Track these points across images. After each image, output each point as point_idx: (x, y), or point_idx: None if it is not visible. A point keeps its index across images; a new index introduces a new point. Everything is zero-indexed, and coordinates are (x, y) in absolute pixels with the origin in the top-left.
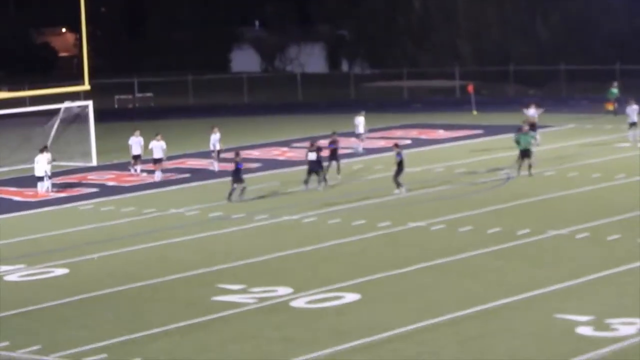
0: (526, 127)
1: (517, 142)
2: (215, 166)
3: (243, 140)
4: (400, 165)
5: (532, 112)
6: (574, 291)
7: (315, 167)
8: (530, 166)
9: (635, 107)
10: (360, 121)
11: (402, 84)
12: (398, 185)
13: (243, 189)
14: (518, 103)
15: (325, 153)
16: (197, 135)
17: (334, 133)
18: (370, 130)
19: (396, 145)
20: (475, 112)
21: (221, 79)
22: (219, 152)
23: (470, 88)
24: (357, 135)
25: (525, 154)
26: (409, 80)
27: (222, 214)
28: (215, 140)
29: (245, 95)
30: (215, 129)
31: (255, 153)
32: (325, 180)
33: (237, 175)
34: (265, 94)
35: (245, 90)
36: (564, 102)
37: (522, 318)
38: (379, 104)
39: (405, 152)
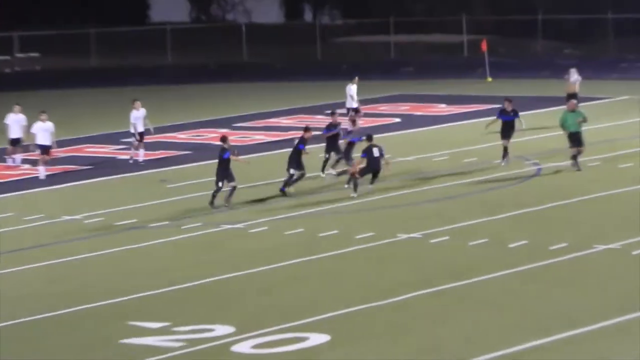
0: (574, 102)
1: (563, 124)
2: (140, 155)
3: (165, 118)
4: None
5: (574, 78)
6: (625, 329)
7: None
8: (579, 154)
9: None
10: (354, 90)
11: (387, 39)
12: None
13: (232, 191)
14: (550, 66)
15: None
16: (103, 112)
17: (333, 113)
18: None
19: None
20: (490, 79)
21: (136, 33)
22: (141, 134)
23: (484, 45)
24: (355, 112)
25: (575, 139)
26: (398, 34)
27: (136, 221)
28: (137, 118)
29: (169, 55)
30: (137, 104)
31: (182, 136)
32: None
33: (224, 170)
34: (197, 53)
35: (169, 48)
36: (612, 65)
37: None
38: (355, 67)
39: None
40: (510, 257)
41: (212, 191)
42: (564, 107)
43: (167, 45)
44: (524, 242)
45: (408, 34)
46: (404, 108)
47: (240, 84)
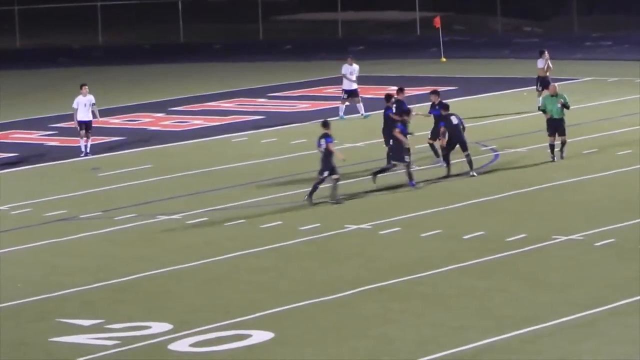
0: (554, 87)
1: (544, 109)
2: (87, 144)
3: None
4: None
5: (543, 62)
6: (589, 324)
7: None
8: (563, 144)
9: None
10: (354, 70)
11: (335, 16)
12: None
13: (336, 183)
14: (509, 45)
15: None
16: (30, 95)
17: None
18: (290, 86)
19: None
20: (444, 59)
21: (64, 11)
22: (85, 124)
23: (437, 22)
24: (351, 94)
25: (555, 125)
26: (346, 11)
27: (66, 212)
28: (82, 104)
29: (99, 34)
30: (85, 89)
31: (114, 121)
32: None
33: (328, 159)
34: (131, 32)
35: (100, 26)
36: (576, 44)
37: None
38: (299, 46)
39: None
40: (464, 249)
41: (315, 182)
42: (528, 88)
43: (97, 23)
44: (479, 233)
45: (357, 11)
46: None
47: (177, 65)
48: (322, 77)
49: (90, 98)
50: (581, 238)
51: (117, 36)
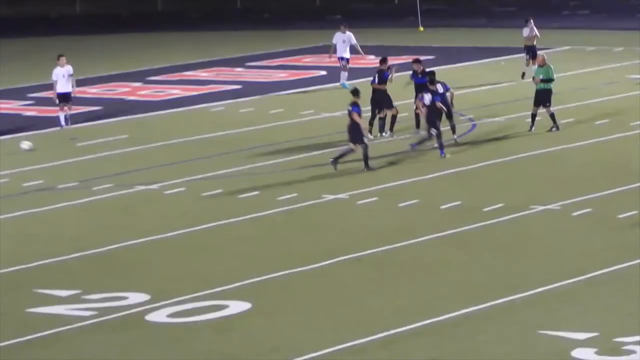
0: (542, 57)
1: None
2: (67, 115)
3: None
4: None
5: (535, 29)
6: (568, 295)
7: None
8: (552, 117)
9: None
10: (348, 38)
11: None
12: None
13: (365, 154)
14: (487, 14)
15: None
16: (7, 65)
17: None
18: (268, 56)
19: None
20: (422, 28)
21: None
22: (64, 96)
23: None
24: (346, 62)
25: (542, 97)
26: None
27: (43, 182)
28: (61, 75)
29: (77, 3)
30: (63, 59)
31: (92, 91)
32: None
33: (352, 129)
34: (107, 0)
35: None
36: (553, 13)
37: (492, 334)
38: (277, 15)
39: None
40: (442, 219)
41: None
42: (505, 57)
43: None
44: (456, 203)
45: None
46: (330, 60)
47: (154, 34)
48: (301, 47)
49: (69, 69)
50: (558, 208)
51: (94, 5)
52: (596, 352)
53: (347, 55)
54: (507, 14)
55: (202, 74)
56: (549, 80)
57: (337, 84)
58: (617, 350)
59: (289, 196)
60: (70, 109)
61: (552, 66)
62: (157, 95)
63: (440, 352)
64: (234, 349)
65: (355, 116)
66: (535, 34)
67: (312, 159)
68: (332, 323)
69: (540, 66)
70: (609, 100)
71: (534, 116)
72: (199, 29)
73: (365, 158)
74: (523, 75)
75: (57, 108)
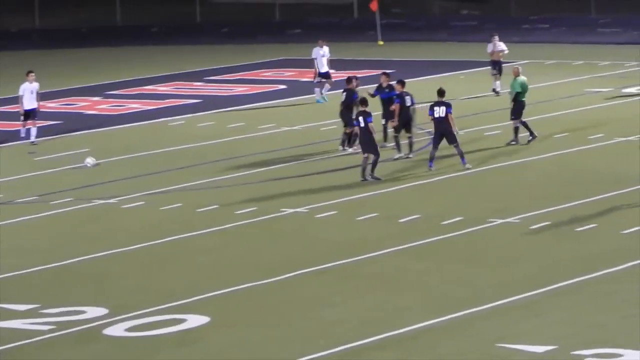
0: (517, 69)
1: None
2: (32, 131)
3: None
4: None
5: (500, 45)
6: (526, 308)
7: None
8: (517, 130)
9: None
10: (326, 52)
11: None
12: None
13: (375, 162)
14: (447, 28)
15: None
16: None
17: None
18: (227, 70)
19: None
20: (381, 42)
21: None
22: (31, 112)
23: (374, 5)
24: (324, 76)
25: (513, 108)
26: None
27: (1, 196)
28: (29, 91)
29: (36, 17)
30: (32, 76)
31: (51, 105)
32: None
33: (368, 140)
34: (68, 14)
35: (37, 9)
36: (513, 27)
37: (452, 347)
38: (237, 30)
39: (277, 102)
40: (400, 232)
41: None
42: (465, 71)
43: (34, 7)
44: (415, 216)
45: None
46: (290, 74)
47: (114, 48)
48: (260, 61)
49: (36, 85)
50: (517, 221)
51: (53, 19)
52: None
53: (325, 69)
54: (467, 28)
55: (161, 88)
56: (524, 92)
57: (297, 97)
58: None
59: (249, 210)
60: (35, 124)
61: (521, 80)
62: (116, 109)
63: None
64: None
65: (372, 127)
66: (502, 50)
67: (272, 173)
68: (292, 336)
69: (515, 77)
70: (568, 114)
71: (516, 129)
72: (158, 43)
73: (374, 167)
74: (494, 91)
75: (20, 123)
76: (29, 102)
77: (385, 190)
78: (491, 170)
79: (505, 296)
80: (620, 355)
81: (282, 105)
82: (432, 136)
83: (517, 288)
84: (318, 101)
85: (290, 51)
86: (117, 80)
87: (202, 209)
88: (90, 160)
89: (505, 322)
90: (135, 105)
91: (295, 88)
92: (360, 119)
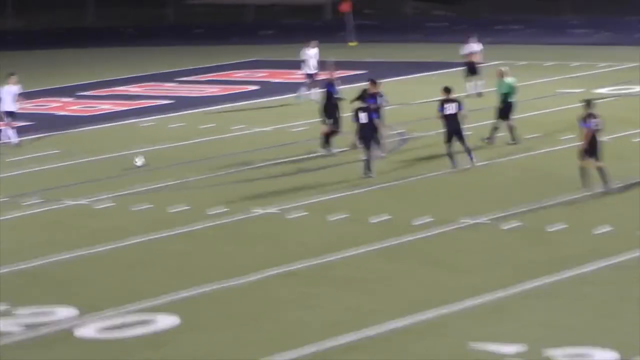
0: (501, 70)
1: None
2: (12, 135)
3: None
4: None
5: (476, 46)
6: (497, 308)
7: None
8: (511, 129)
9: None
10: (310, 55)
11: (245, 1)
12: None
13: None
14: (419, 29)
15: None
16: None
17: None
18: (199, 71)
19: None
20: (353, 43)
21: None
22: (11, 114)
23: (346, 6)
24: (310, 77)
25: (504, 110)
26: None
27: None
28: (9, 93)
29: (8, 19)
30: (13, 78)
31: (23, 106)
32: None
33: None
34: (40, 15)
35: (10, 10)
36: (487, 28)
37: (423, 348)
38: (210, 31)
39: (249, 103)
40: (371, 233)
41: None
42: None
43: (7, 6)
44: (386, 217)
45: None
46: (262, 75)
47: (86, 49)
48: (232, 62)
49: (17, 88)
50: (488, 221)
51: (26, 20)
52: None
53: (314, 71)
54: (439, 29)
55: (132, 89)
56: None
57: (268, 98)
58: None
59: (220, 210)
60: (14, 127)
61: (508, 81)
62: (87, 110)
63: None
64: None
65: (378, 122)
66: (475, 51)
67: (243, 174)
68: (263, 338)
69: (499, 78)
70: (540, 115)
71: (496, 129)
72: (131, 44)
73: (371, 163)
74: (477, 93)
75: (3, 122)
76: (9, 105)
77: (357, 191)
78: (462, 171)
79: (476, 297)
80: (592, 356)
81: (254, 106)
82: (445, 133)
83: (488, 289)
84: (299, 98)
85: (262, 52)
86: (89, 82)
87: (173, 210)
88: (139, 160)
89: (476, 323)
90: (107, 106)
91: (267, 89)
92: (363, 115)
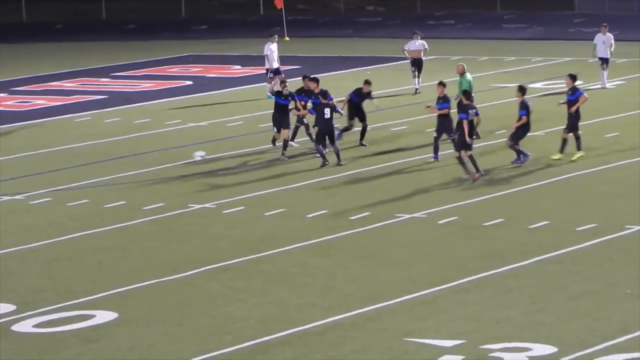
0: (462, 66)
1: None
2: None
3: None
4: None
5: (418, 43)
6: (434, 303)
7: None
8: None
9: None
10: (273, 49)
11: None
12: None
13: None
14: (352, 24)
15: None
16: None
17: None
18: (133, 66)
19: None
20: (287, 38)
21: None
22: None
23: (279, 2)
24: (275, 73)
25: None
26: None
27: None
28: None
29: (24, 12)
30: None
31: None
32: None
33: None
34: (47, 10)
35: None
36: (419, 23)
37: (359, 343)
38: (143, 26)
39: (183, 98)
40: (307, 228)
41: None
42: (371, 67)
43: None
44: (322, 212)
45: None
46: (196, 70)
47: (19, 44)
48: (166, 57)
49: None
50: (424, 216)
51: (34, 14)
52: None
53: (276, 65)
54: (372, 24)
55: (67, 85)
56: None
57: (203, 94)
58: (484, 357)
59: (155, 206)
60: None
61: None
62: (21, 105)
63: None
64: (100, 359)
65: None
66: (424, 48)
67: (179, 169)
68: (198, 333)
69: (460, 75)
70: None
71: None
72: (64, 39)
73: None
74: (416, 91)
75: None
76: None
77: (294, 185)
78: (399, 165)
79: (411, 292)
80: (529, 349)
81: (188, 101)
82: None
83: (423, 283)
84: (269, 96)
85: (196, 47)
86: (23, 77)
87: (109, 206)
88: (199, 154)
89: (411, 317)
90: (41, 102)
91: (201, 84)
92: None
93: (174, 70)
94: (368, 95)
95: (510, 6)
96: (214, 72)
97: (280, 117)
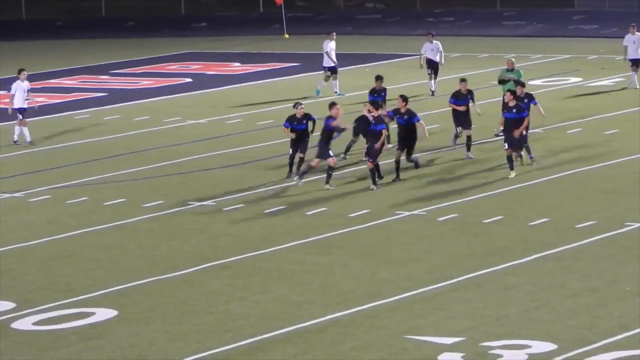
0: (511, 60)
1: (502, 81)
2: (26, 135)
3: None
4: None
5: (434, 45)
6: (433, 300)
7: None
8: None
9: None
10: (331, 47)
11: None
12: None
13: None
14: (352, 21)
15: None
16: None
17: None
18: (133, 63)
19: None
20: (287, 36)
21: None
22: (22, 111)
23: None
24: (332, 71)
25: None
26: None
27: None
28: (22, 90)
29: (23, 9)
30: (24, 74)
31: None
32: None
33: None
34: (47, 8)
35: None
36: (419, 20)
37: (358, 340)
38: (142, 23)
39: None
40: (307, 225)
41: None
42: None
43: None
44: (322, 209)
45: None
46: (196, 67)
47: (19, 42)
48: (165, 54)
49: (27, 84)
50: (424, 213)
51: (36, 11)
52: (463, 357)
53: (333, 64)
54: (372, 21)
55: (66, 82)
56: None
57: (203, 91)
58: (484, 354)
59: (155, 203)
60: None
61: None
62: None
63: (306, 358)
64: (100, 356)
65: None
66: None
67: (178, 166)
68: (197, 330)
69: (508, 70)
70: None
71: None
72: (64, 37)
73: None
74: (432, 93)
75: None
76: (20, 101)
77: (294, 183)
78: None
79: (411, 289)
80: (529, 347)
81: (187, 99)
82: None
83: (423, 281)
84: (318, 93)
85: (195, 45)
86: None
87: (108, 203)
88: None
89: (411, 315)
90: (41, 99)
91: (201, 81)
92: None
93: (173, 67)
94: (383, 91)
95: (510, 3)
96: (213, 69)
97: (297, 141)
